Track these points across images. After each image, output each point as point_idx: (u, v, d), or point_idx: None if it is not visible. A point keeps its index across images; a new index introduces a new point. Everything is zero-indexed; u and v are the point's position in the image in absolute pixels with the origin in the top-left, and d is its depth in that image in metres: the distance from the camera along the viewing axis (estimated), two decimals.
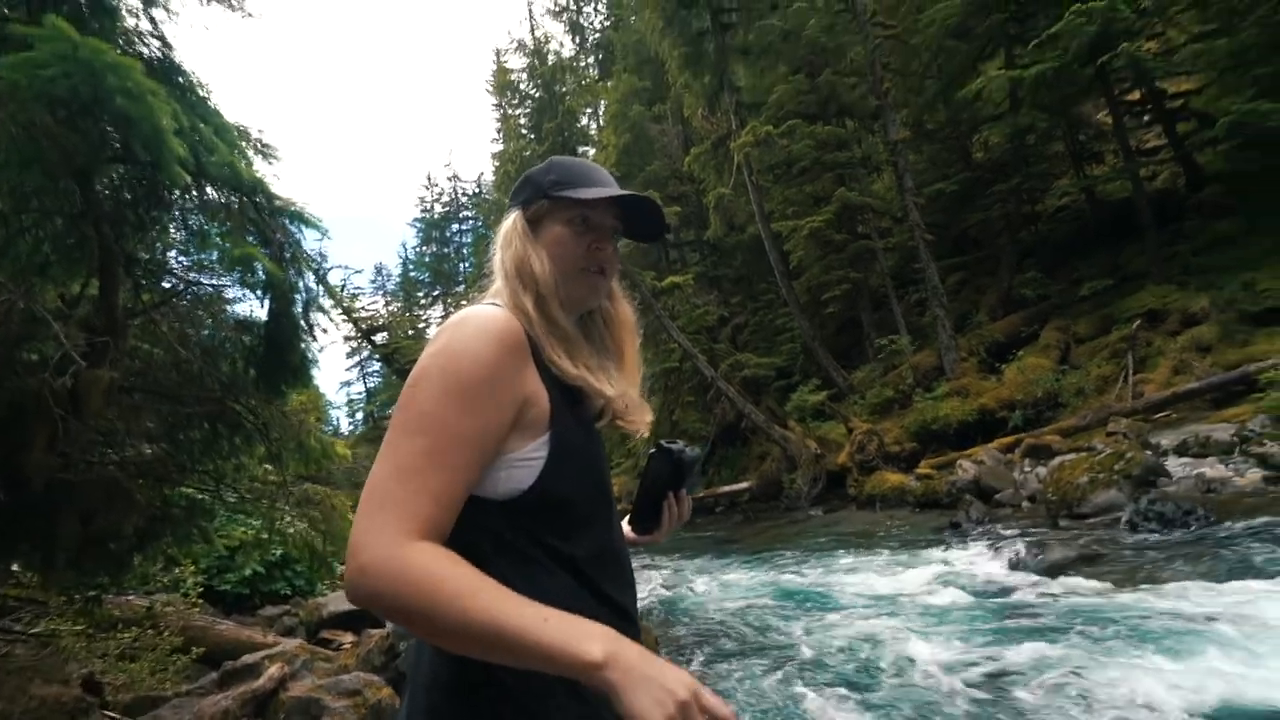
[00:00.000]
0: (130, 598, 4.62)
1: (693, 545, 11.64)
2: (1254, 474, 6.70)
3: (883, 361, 16.37)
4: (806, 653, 4.65)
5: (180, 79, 3.82)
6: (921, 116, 17.70)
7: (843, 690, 3.87)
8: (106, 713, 2.92)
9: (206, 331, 3.61)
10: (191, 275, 3.76)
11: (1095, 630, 3.97)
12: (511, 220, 0.99)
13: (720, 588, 7.46)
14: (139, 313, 3.08)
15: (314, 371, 3.58)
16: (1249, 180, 11.99)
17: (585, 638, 0.66)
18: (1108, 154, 15.46)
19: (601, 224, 0.98)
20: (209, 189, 3.45)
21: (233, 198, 3.39)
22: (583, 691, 0.72)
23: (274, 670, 3.69)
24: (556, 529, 0.85)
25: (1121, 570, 4.95)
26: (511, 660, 0.67)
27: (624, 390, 1.00)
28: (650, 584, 8.49)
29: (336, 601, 7.31)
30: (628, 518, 1.15)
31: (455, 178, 53.94)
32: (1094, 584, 4.82)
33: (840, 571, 7.00)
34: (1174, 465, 7.58)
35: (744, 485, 15.99)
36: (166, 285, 3.55)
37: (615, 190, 0.96)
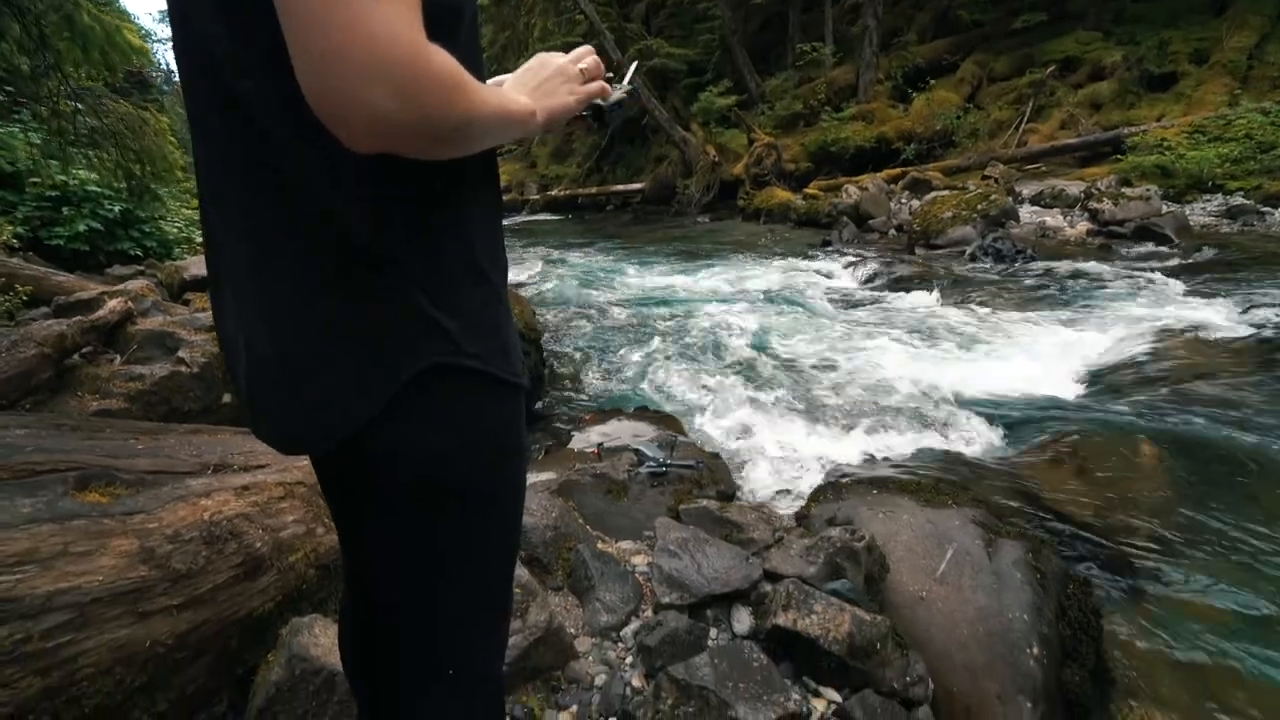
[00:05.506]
0: None
1: (579, 239, 11.75)
2: (1083, 226, 7.57)
3: (800, 71, 15.39)
4: (667, 336, 5.12)
5: None
6: None
7: (692, 366, 4.39)
8: None
9: None
10: None
11: (913, 333, 4.66)
12: None
13: (601, 279, 7.77)
14: None
15: None
16: None
17: (520, 100, 0.69)
18: None
19: None
20: None
21: None
22: (483, 271, 0.70)
23: (115, 304, 3.40)
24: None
25: (949, 291, 5.68)
26: (493, 140, 0.66)
27: None
28: (530, 268, 8.65)
29: (198, 265, 6.71)
30: None
31: None
32: (924, 300, 5.52)
33: (713, 273, 7.47)
34: (1025, 212, 8.33)
35: (637, 186, 15.78)
36: None
37: None
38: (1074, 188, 8.94)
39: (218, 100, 0.61)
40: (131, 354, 3.29)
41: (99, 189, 4.91)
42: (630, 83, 0.91)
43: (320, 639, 1.33)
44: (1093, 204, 7.83)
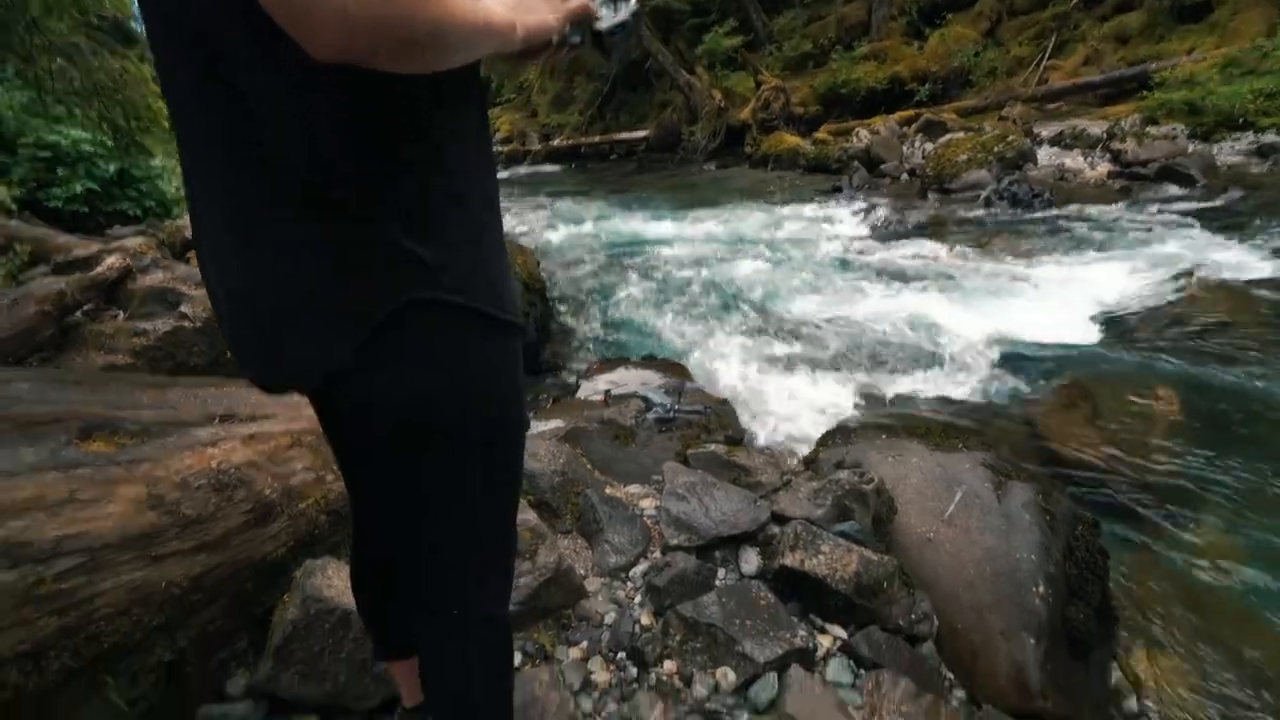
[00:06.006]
0: None
1: (582, 189, 11.51)
2: (1104, 168, 7.31)
3: (809, 8, 14.71)
4: (673, 285, 5.05)
5: None
6: None
7: (699, 314, 4.34)
8: None
9: None
10: None
11: (924, 280, 4.57)
12: None
13: (605, 229, 7.63)
14: None
15: None
16: None
17: (499, 11, 0.64)
18: None
19: None
20: None
21: None
22: (467, 202, 0.67)
23: (114, 260, 3.38)
24: None
25: (961, 237, 5.54)
26: (468, 53, 0.60)
27: None
28: (534, 219, 8.51)
29: None
30: None
31: None
32: (935, 246, 5.40)
33: (720, 221, 7.31)
34: (1044, 154, 8.04)
35: (641, 134, 15.35)
36: None
37: None
38: (1096, 128, 8.60)
39: (178, 33, 0.58)
40: (134, 310, 3.28)
41: (92, 148, 4.80)
42: (636, 2, 0.83)
43: (334, 580, 1.36)
44: (1115, 144, 7.55)
